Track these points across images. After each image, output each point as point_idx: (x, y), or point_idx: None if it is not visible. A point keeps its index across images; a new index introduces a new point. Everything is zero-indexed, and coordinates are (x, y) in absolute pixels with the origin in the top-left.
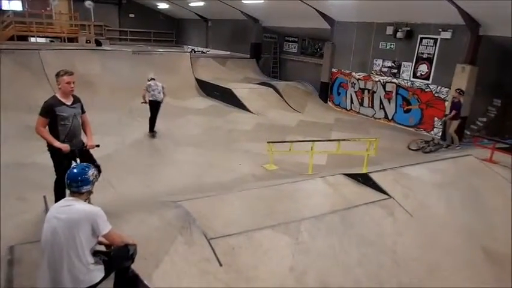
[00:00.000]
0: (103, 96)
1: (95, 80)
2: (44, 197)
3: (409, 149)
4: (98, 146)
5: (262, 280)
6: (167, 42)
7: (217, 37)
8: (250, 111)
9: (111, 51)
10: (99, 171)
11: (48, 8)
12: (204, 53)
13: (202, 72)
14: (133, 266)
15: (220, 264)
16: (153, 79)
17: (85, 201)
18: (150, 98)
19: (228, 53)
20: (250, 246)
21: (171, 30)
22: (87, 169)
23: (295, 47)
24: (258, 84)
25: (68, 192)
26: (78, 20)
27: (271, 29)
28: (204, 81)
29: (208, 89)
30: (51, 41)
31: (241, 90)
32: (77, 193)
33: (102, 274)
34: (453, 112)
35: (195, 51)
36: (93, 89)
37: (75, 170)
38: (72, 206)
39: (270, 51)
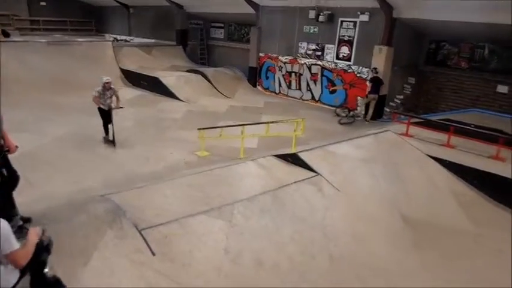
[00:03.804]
0: (18, 92)
1: (5, 74)
2: None
3: (337, 114)
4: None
5: (197, 265)
6: (87, 32)
7: (140, 25)
8: (179, 99)
9: (23, 43)
10: (14, 183)
11: None
12: (127, 41)
13: (127, 62)
14: (60, 265)
15: (154, 254)
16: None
17: None
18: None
19: (153, 40)
20: (184, 233)
21: (90, 19)
22: None
23: (221, 33)
24: (186, 71)
25: None
26: None
27: (196, 15)
28: (130, 70)
29: (134, 78)
30: None
31: (169, 79)
32: None
33: (17, 275)
34: (370, 85)
35: (117, 40)
36: (5, 85)
37: None
38: None
39: (197, 38)
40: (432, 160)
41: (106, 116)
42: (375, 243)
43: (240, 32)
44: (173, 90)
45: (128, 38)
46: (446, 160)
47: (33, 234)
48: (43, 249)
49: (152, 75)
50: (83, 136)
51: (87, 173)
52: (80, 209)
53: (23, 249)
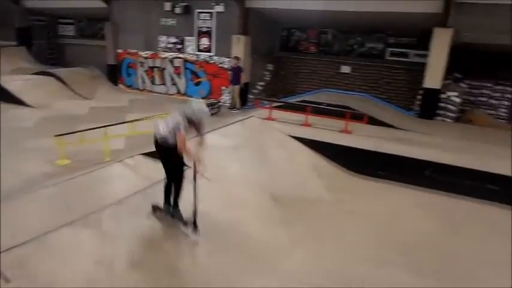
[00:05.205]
0: None
1: None
2: None
3: None
4: None
5: (63, 283)
6: None
7: None
8: (29, 105)
9: None
10: None
11: None
12: None
13: None
14: None
15: (8, 281)
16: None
17: None
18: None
19: None
20: (46, 251)
21: None
22: None
23: (72, 30)
24: (34, 74)
25: None
26: None
27: (38, 11)
28: None
29: None
30: None
31: (14, 83)
32: None
33: None
34: (242, 76)
35: None
36: None
37: None
38: None
39: (43, 36)
40: (294, 140)
41: (174, 164)
42: (248, 226)
43: (92, 27)
44: (20, 96)
45: None
46: (305, 138)
47: None
48: None
49: None
50: None
51: None
52: None
53: None
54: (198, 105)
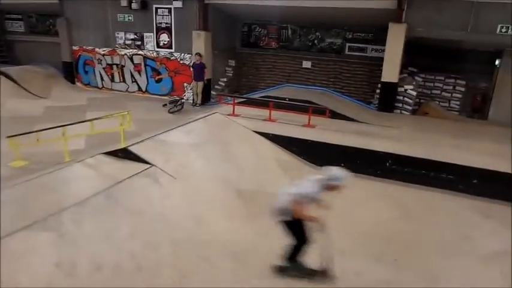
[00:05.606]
0: None
1: None
2: None
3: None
4: None
5: (25, 286)
6: None
7: None
8: None
9: None
10: None
11: None
12: None
13: None
14: None
15: None
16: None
17: None
18: None
19: None
20: (4, 255)
21: None
22: None
23: (21, 26)
24: None
25: None
26: None
27: None
28: None
29: None
30: None
31: None
32: None
33: None
34: (205, 72)
35: None
36: None
37: None
38: None
39: None
40: (257, 135)
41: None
42: (213, 221)
43: (44, 23)
44: None
45: None
46: (269, 133)
47: None
48: None
49: None
50: None
51: None
52: None
53: None
54: (339, 172)
